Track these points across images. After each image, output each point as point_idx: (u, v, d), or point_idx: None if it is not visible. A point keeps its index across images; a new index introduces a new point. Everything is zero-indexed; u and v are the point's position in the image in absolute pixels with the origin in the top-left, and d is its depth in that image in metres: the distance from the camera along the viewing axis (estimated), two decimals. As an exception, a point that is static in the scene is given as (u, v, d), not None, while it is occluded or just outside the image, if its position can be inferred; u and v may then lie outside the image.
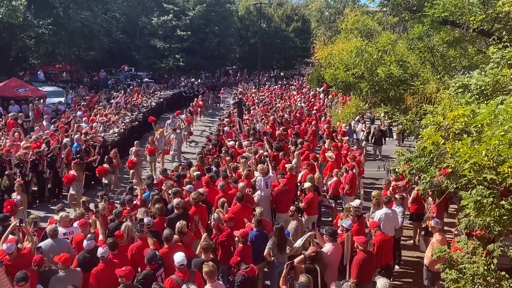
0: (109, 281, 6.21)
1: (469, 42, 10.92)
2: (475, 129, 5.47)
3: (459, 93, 7.01)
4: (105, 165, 12.80)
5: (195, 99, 27.15)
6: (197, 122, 25.03)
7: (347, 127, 18.07)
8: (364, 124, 19.40)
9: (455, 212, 11.19)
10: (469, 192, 5.26)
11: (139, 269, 6.77)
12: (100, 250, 6.46)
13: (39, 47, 32.83)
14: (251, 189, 9.94)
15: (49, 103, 23.43)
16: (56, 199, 13.02)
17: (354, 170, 11.68)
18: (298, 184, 11.33)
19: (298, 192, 10.92)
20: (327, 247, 7.16)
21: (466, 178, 5.22)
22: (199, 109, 26.25)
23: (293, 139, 15.11)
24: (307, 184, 10.00)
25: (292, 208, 8.51)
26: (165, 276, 6.47)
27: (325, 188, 11.76)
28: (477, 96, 6.59)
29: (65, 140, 14.50)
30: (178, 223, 7.54)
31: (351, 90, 12.66)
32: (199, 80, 39.21)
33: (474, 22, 8.99)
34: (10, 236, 7.13)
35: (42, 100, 23.47)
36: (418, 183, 7.94)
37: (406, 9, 11.30)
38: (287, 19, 52.72)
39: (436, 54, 11.24)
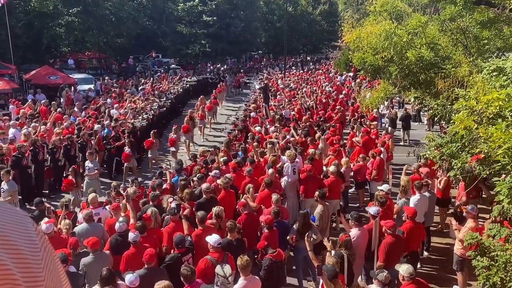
0: (140, 264, 6.35)
1: (505, 23, 10.49)
2: (511, 114, 5.30)
3: (493, 76, 6.78)
4: (127, 151, 13.30)
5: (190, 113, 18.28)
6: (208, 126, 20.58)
7: (378, 112, 17.82)
8: (390, 109, 18.99)
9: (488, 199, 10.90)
10: (502, 178, 5.13)
11: (172, 251, 6.90)
12: (131, 235, 6.60)
13: (69, 35, 33.53)
14: (277, 175, 9.97)
15: (80, 90, 23.95)
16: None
17: (381, 156, 11.52)
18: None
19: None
20: (353, 233, 7.15)
21: (499, 164, 5.08)
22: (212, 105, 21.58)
23: (320, 125, 15.00)
24: (332, 168, 9.96)
25: (316, 193, 8.49)
26: (193, 261, 6.58)
27: (352, 174, 11.66)
28: (512, 79, 6.36)
29: (95, 126, 14.84)
30: (216, 208, 7.64)
31: (380, 74, 12.42)
32: (225, 66, 39.16)
33: (511, 1, 8.62)
34: (45, 219, 7.40)
35: (72, 88, 24.01)
36: (448, 170, 7.75)
37: (438, -11, 10.95)
38: (313, 2, 51.71)
39: (469, 35, 10.86)
